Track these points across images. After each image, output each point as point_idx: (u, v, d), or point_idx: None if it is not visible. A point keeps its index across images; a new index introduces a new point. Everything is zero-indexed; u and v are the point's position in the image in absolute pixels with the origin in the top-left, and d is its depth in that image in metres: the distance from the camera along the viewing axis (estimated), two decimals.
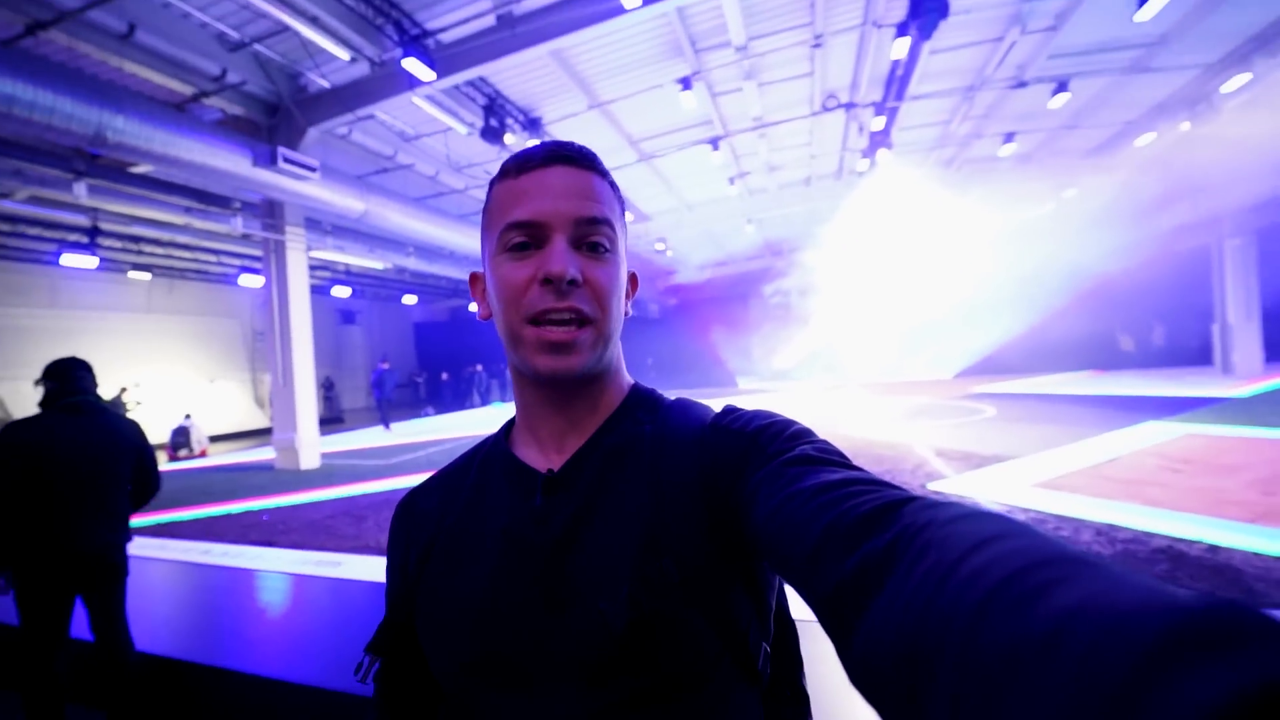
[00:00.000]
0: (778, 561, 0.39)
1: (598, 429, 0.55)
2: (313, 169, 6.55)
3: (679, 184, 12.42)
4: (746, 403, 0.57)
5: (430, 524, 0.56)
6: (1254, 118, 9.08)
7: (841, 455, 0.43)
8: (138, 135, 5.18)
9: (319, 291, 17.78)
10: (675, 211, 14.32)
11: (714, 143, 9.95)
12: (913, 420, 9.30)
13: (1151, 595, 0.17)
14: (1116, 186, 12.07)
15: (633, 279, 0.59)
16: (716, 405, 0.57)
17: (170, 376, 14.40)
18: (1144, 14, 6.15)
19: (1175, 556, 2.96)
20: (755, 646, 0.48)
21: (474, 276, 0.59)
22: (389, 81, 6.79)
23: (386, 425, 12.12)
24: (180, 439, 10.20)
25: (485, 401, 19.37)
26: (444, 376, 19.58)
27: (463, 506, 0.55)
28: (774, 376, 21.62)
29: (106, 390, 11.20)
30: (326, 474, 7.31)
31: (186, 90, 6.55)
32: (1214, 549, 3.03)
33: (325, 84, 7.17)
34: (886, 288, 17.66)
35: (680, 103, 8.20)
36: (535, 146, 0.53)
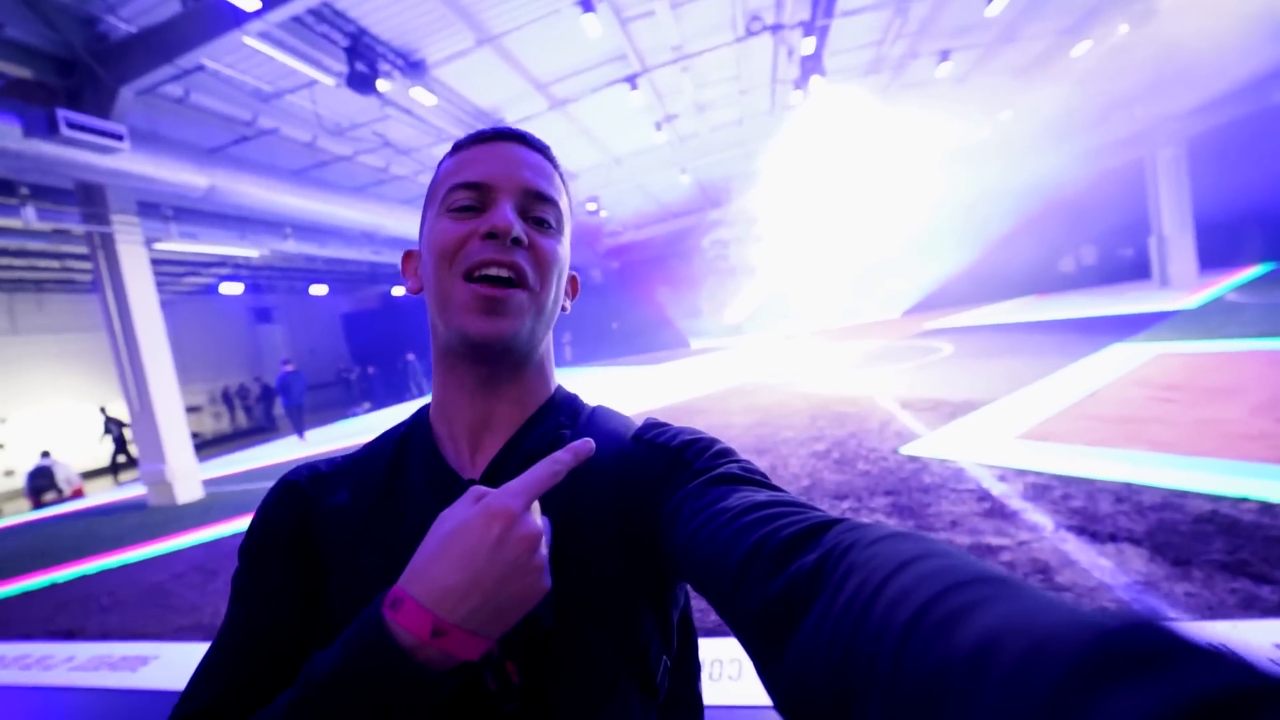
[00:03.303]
0: (700, 581, 0.38)
1: (516, 430, 0.52)
2: (117, 136, 5.13)
3: (601, 134, 11.26)
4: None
5: (345, 524, 0.50)
6: (1190, 18, 8.65)
7: (764, 476, 0.43)
8: None
9: (208, 291, 15.85)
10: (603, 167, 13.19)
11: (631, 80, 8.83)
12: (871, 366, 8.75)
13: (1070, 615, 0.18)
14: (1052, 104, 11.69)
15: (573, 280, 0.57)
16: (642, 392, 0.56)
17: (46, 407, 12.52)
18: None
19: (1227, 526, 2.31)
20: (655, 661, 0.46)
21: (408, 255, 0.56)
22: (209, 18, 5.38)
23: (301, 434, 10.78)
24: (41, 481, 8.59)
25: (424, 391, 18.04)
26: (370, 370, 18.03)
27: (379, 508, 0.50)
28: (726, 332, 21.02)
29: None
30: (205, 509, 6.11)
31: None
32: (1268, 507, 2.41)
33: (129, 29, 5.69)
34: (829, 229, 17.14)
35: (585, 30, 7.04)
36: (489, 128, 0.52)
